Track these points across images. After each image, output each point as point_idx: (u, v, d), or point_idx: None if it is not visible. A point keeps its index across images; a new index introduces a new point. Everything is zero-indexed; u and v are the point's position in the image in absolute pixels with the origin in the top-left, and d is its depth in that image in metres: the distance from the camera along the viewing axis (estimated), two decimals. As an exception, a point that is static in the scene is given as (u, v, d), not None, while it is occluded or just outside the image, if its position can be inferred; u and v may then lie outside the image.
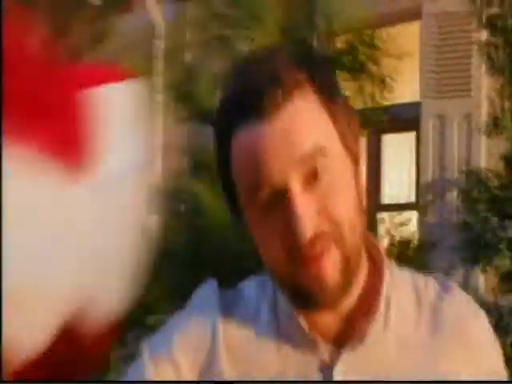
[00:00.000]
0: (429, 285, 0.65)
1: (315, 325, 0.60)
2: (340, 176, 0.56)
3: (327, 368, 0.59)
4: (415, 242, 2.76)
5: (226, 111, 0.58)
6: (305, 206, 0.53)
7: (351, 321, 0.61)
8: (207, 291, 0.66)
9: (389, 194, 4.11)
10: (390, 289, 0.62)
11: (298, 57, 0.58)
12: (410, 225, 3.04)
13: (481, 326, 0.65)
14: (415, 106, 3.87)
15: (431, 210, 3.61)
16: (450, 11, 3.54)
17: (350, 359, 0.59)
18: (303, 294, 0.57)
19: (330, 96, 0.57)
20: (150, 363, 0.58)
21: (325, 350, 0.59)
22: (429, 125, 3.75)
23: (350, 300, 0.61)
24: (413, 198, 3.99)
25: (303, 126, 0.55)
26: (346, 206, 0.56)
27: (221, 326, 0.61)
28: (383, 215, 3.34)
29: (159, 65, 4.27)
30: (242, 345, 0.61)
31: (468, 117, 3.63)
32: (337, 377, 0.58)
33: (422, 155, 3.83)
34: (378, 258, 0.63)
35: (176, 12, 4.35)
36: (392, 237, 2.72)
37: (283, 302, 0.61)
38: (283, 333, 0.61)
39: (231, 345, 0.61)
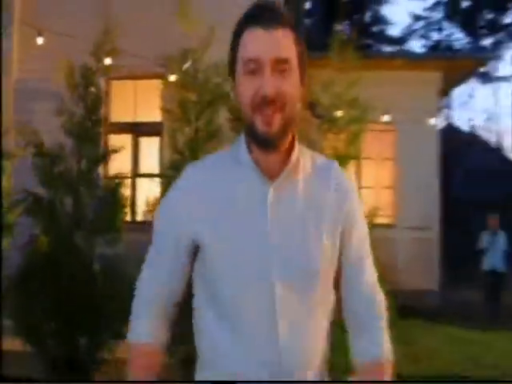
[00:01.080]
0: (320, 156, 1.16)
1: (262, 165, 1.05)
2: (293, 78, 1.02)
3: (266, 189, 1.04)
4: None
5: (246, 18, 1.02)
6: (271, 79, 0.98)
7: (280, 164, 1.05)
8: (187, 169, 1.14)
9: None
10: (299, 152, 1.08)
11: (290, 12, 1.06)
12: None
13: (348, 178, 1.17)
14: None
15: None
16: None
17: (281, 185, 1.05)
18: (256, 134, 1.02)
19: (298, 39, 1.04)
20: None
21: (265, 179, 1.04)
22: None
23: (281, 150, 1.04)
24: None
25: (285, 43, 1.00)
26: (292, 94, 1.01)
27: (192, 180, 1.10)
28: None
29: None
30: (216, 178, 1.07)
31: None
32: (274, 193, 1.04)
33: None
34: (294, 136, 1.08)
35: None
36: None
37: (242, 153, 1.06)
38: (243, 169, 1.06)
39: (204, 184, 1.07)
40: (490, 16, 27.07)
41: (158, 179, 5.79)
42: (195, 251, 1.09)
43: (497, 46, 27.37)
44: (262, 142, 1.01)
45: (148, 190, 5.49)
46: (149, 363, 1.11)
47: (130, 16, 5.45)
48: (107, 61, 3.79)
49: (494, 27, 27.22)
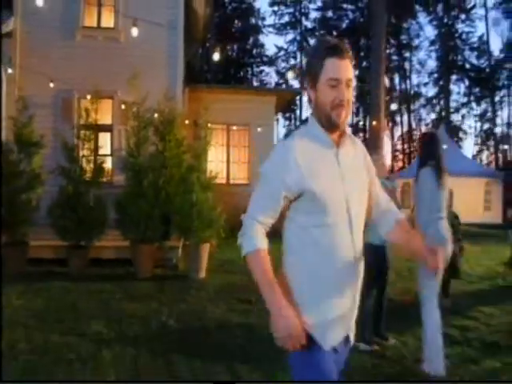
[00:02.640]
0: (351, 134, 1.40)
1: (332, 138, 1.31)
2: (352, 90, 1.27)
3: (336, 152, 1.31)
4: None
5: (327, 50, 1.26)
6: (344, 91, 1.26)
7: (339, 137, 1.33)
8: (285, 142, 1.34)
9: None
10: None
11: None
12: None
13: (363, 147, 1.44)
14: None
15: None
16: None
17: (342, 151, 1.32)
18: (332, 122, 1.28)
19: (353, 66, 1.27)
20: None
21: (334, 147, 1.31)
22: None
23: (342, 129, 1.32)
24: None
25: (350, 68, 1.26)
26: (351, 99, 1.28)
27: (295, 148, 1.28)
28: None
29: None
30: (307, 150, 1.28)
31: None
32: (340, 156, 1.31)
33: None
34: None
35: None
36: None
37: (320, 132, 1.31)
38: (321, 142, 1.30)
39: (301, 151, 1.27)
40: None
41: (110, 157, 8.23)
42: (294, 197, 1.29)
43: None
44: (334, 127, 1.31)
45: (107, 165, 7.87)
46: (268, 261, 1.26)
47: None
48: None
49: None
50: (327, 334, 1.27)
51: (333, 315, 1.27)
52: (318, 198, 1.26)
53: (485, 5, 29.54)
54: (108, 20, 8.81)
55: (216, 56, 5.45)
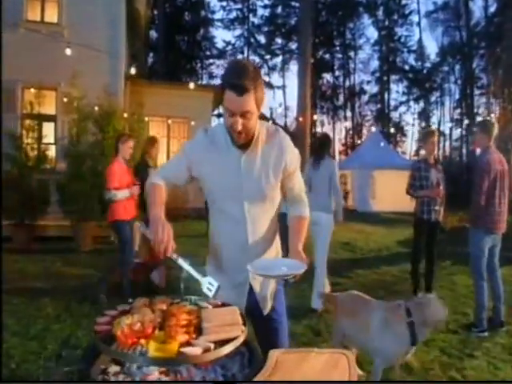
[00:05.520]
0: (272, 128, 1.60)
1: (236, 143, 1.50)
2: (252, 116, 1.42)
3: (239, 156, 1.52)
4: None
5: (227, 82, 1.39)
6: (239, 122, 1.41)
7: (251, 143, 1.50)
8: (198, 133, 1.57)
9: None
10: (259, 129, 1.53)
11: (255, 71, 1.41)
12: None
13: (291, 144, 1.60)
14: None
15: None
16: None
17: (248, 153, 1.52)
18: (235, 141, 1.48)
19: (256, 96, 1.40)
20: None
21: (239, 151, 1.52)
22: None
23: (249, 138, 1.48)
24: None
25: (247, 102, 1.38)
26: (251, 125, 1.44)
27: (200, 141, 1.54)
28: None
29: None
30: (203, 148, 1.53)
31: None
32: (243, 162, 1.52)
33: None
34: (254, 133, 1.51)
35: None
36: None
37: (225, 140, 1.51)
38: (226, 148, 1.53)
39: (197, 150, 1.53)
40: (280, 41, 32.58)
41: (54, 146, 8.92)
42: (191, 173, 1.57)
43: (284, 62, 33.18)
44: (236, 141, 1.51)
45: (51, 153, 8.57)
46: (162, 193, 1.53)
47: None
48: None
49: (283, 50, 32.75)
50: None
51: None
52: (209, 183, 1.57)
53: (418, 12, 32.16)
54: (52, 15, 9.41)
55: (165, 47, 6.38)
